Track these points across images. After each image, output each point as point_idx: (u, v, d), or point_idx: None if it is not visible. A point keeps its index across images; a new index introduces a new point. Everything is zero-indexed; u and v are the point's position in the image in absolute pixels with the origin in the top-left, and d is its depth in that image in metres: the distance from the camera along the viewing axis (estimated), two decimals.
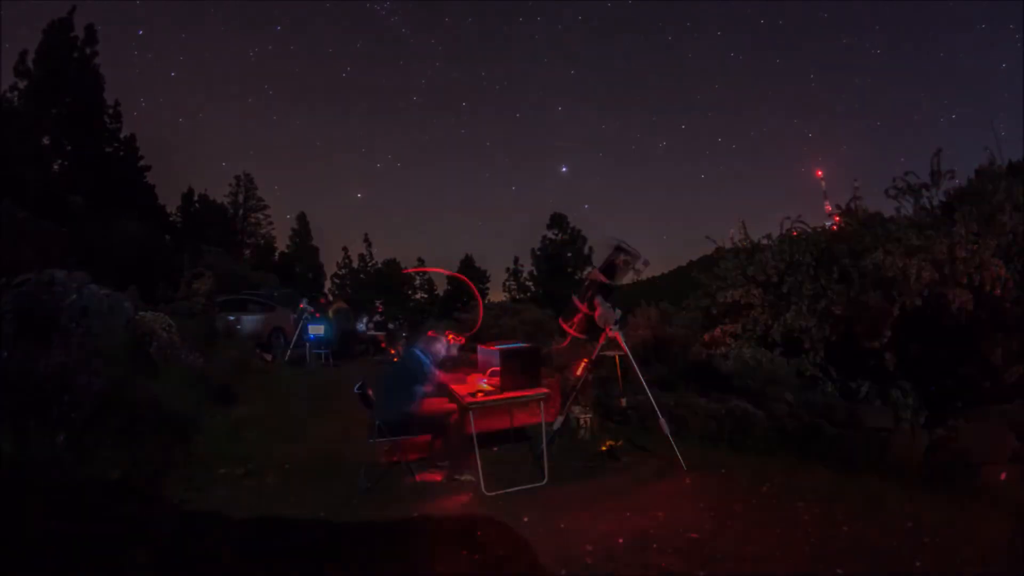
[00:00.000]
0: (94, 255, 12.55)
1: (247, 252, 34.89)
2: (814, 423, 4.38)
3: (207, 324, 10.14)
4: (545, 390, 4.26)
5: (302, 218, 39.07)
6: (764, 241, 6.01)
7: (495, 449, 4.79)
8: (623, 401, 5.11)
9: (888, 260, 4.46)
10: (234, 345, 10.06)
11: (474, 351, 5.01)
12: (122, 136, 23.54)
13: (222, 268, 17.41)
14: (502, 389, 4.07)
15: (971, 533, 2.76)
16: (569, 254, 34.28)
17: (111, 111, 23.16)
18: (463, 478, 3.98)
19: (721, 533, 3.00)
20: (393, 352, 13.86)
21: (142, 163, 24.24)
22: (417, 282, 40.33)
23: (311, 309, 12.02)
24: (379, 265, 40.01)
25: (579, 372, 4.89)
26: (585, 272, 31.88)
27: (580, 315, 4.67)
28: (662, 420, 4.31)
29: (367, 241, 40.60)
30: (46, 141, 19.28)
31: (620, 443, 4.67)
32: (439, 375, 4.42)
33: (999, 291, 4.18)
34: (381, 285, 36.61)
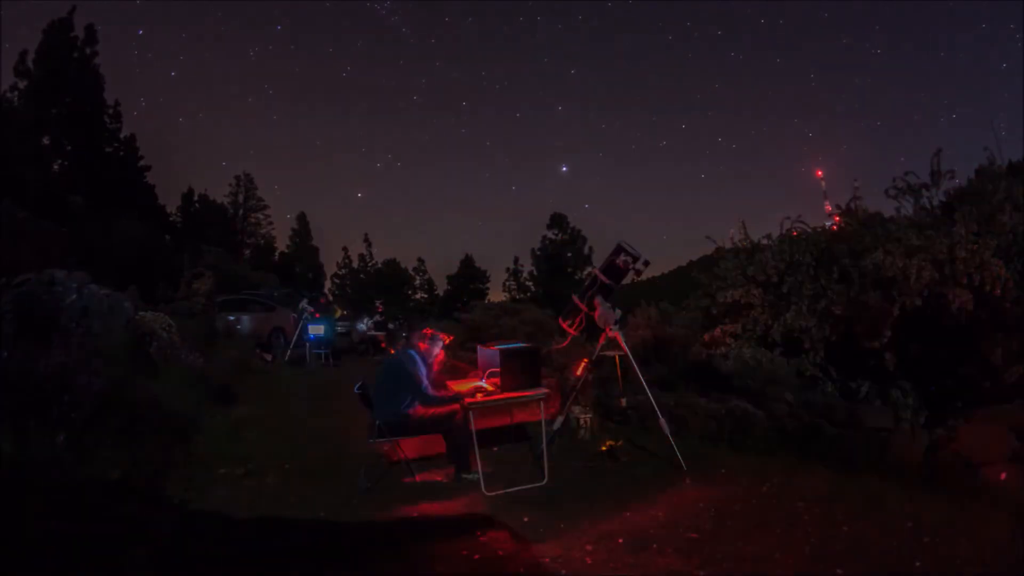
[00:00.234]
0: (94, 255, 12.56)
1: (247, 252, 34.91)
2: (814, 423, 4.38)
3: (207, 324, 10.16)
4: (545, 390, 4.26)
5: (302, 218, 39.13)
6: (764, 241, 6.01)
7: (495, 449, 4.79)
8: (623, 401, 5.11)
9: (888, 260, 4.46)
10: (234, 345, 10.07)
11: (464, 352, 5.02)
12: (122, 136, 23.58)
13: (222, 268, 17.42)
14: (502, 389, 4.07)
15: (971, 533, 2.76)
16: (569, 254, 34.31)
17: (111, 111, 23.19)
18: (469, 477, 3.98)
19: (721, 533, 3.00)
20: (393, 352, 13.85)
21: (142, 163, 24.27)
22: (417, 282, 40.38)
23: (311, 309, 12.01)
24: (379, 265, 40.04)
25: (579, 372, 4.89)
26: (585, 272, 31.93)
27: (580, 315, 4.67)
28: (662, 420, 4.31)
29: (367, 241, 40.66)
30: (46, 141, 19.30)
31: (620, 443, 4.67)
32: (434, 375, 4.43)
33: (999, 291, 4.18)
34: (381, 285, 36.63)
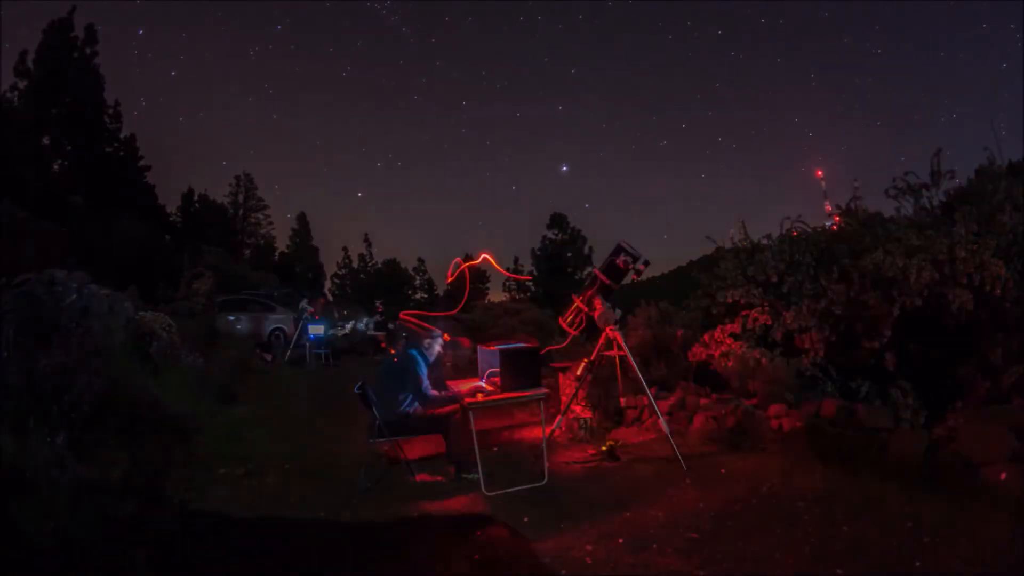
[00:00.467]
0: (94, 255, 12.56)
1: (247, 252, 34.90)
2: (814, 423, 4.38)
3: (207, 324, 10.16)
4: (545, 390, 4.26)
5: (302, 218, 39.11)
6: (764, 241, 6.01)
7: (495, 449, 4.80)
8: (623, 401, 5.12)
9: (888, 260, 4.45)
10: (234, 345, 10.08)
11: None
12: (122, 136, 23.59)
13: (222, 268, 17.42)
14: (502, 389, 4.07)
15: (971, 533, 2.76)
16: (569, 254, 34.31)
17: (111, 111, 23.20)
18: (469, 477, 3.98)
19: (721, 533, 3.00)
20: (393, 352, 13.85)
21: (142, 163, 24.28)
22: (417, 282, 40.37)
23: (311, 309, 12.02)
24: (379, 265, 40.04)
25: (579, 372, 4.89)
26: (585, 272, 31.95)
27: (580, 315, 4.68)
28: (662, 420, 4.31)
29: (367, 241, 40.65)
30: (46, 141, 19.30)
31: (620, 443, 4.67)
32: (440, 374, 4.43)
33: (999, 291, 4.17)
34: (381, 285, 36.63)
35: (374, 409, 4.01)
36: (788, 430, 4.46)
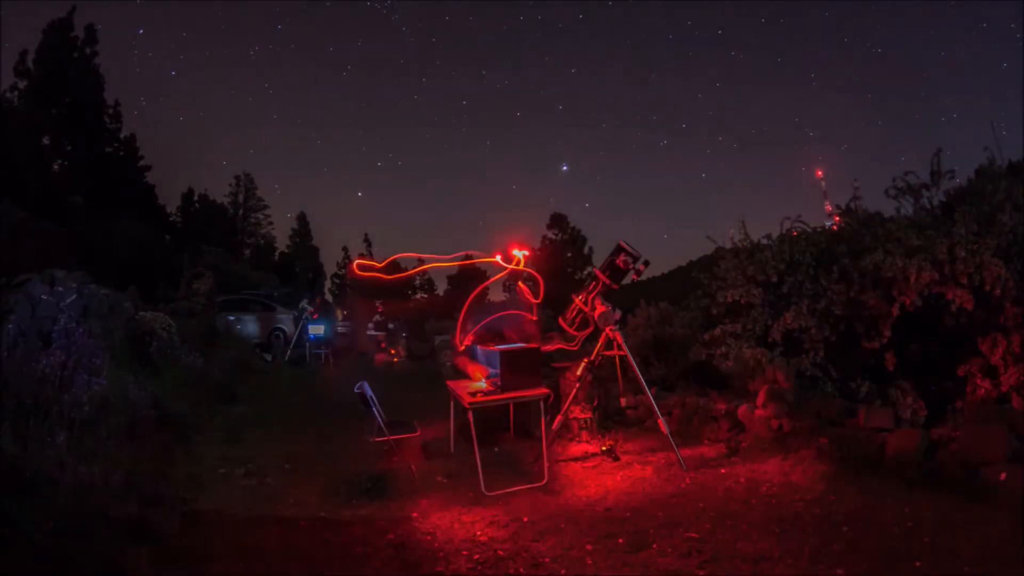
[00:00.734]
0: (94, 255, 12.56)
1: (247, 252, 34.89)
2: (814, 423, 4.38)
3: (207, 324, 10.15)
4: (546, 390, 4.26)
5: (302, 218, 39.08)
6: (764, 241, 6.01)
7: (496, 449, 4.80)
8: (623, 401, 5.12)
9: (888, 260, 4.45)
10: (234, 345, 10.08)
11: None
12: (122, 136, 23.57)
13: (222, 268, 17.41)
14: (503, 389, 4.06)
15: (971, 533, 2.76)
16: (569, 254, 34.30)
17: (111, 111, 23.19)
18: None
19: (721, 533, 3.00)
20: (393, 352, 13.87)
21: (142, 163, 24.26)
22: (417, 282, 40.35)
23: (310, 309, 12.03)
24: (379, 265, 40.03)
25: (579, 372, 4.89)
26: (585, 272, 31.95)
27: (580, 314, 4.67)
28: (662, 420, 4.31)
29: (367, 241, 40.65)
30: (46, 141, 19.28)
31: (620, 443, 4.67)
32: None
33: (999, 291, 4.17)
34: (382, 284, 36.61)
35: (374, 409, 4.01)
36: (788, 430, 4.46)
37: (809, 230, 5.78)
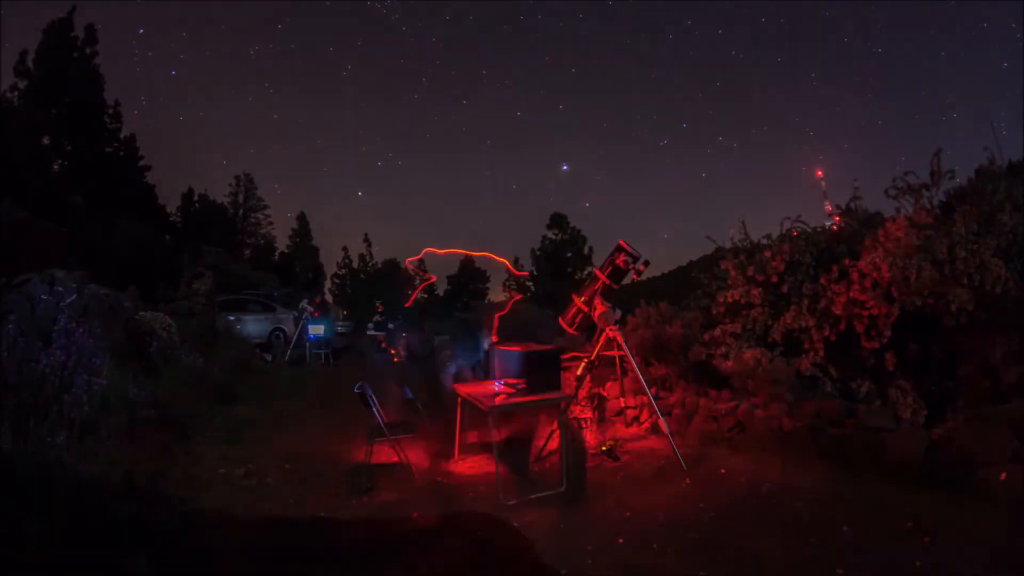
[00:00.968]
0: (94, 255, 12.55)
1: (247, 252, 34.89)
2: (814, 423, 4.38)
3: (207, 324, 10.14)
4: (568, 392, 4.18)
5: (302, 218, 39.09)
6: (764, 241, 6.01)
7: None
8: (623, 401, 5.12)
9: (888, 260, 4.46)
10: (234, 345, 10.07)
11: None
12: (122, 136, 23.56)
13: (222, 268, 17.41)
14: (527, 391, 3.97)
15: (971, 533, 2.76)
16: (569, 254, 34.28)
17: (111, 111, 23.18)
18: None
19: (721, 533, 3.00)
20: (393, 352, 13.87)
21: (142, 163, 24.25)
22: (417, 282, 40.36)
23: (310, 309, 12.03)
24: (379, 265, 40.02)
25: (579, 372, 4.89)
26: (585, 272, 31.94)
27: (580, 314, 4.67)
28: (662, 420, 4.31)
29: (367, 241, 40.65)
30: (46, 141, 19.27)
31: (620, 443, 4.67)
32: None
33: (999, 291, 4.17)
34: (382, 284, 36.63)
35: (374, 409, 4.01)
36: (788, 430, 4.46)
37: (809, 230, 5.78)
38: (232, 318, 12.65)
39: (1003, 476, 3.22)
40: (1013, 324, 4.17)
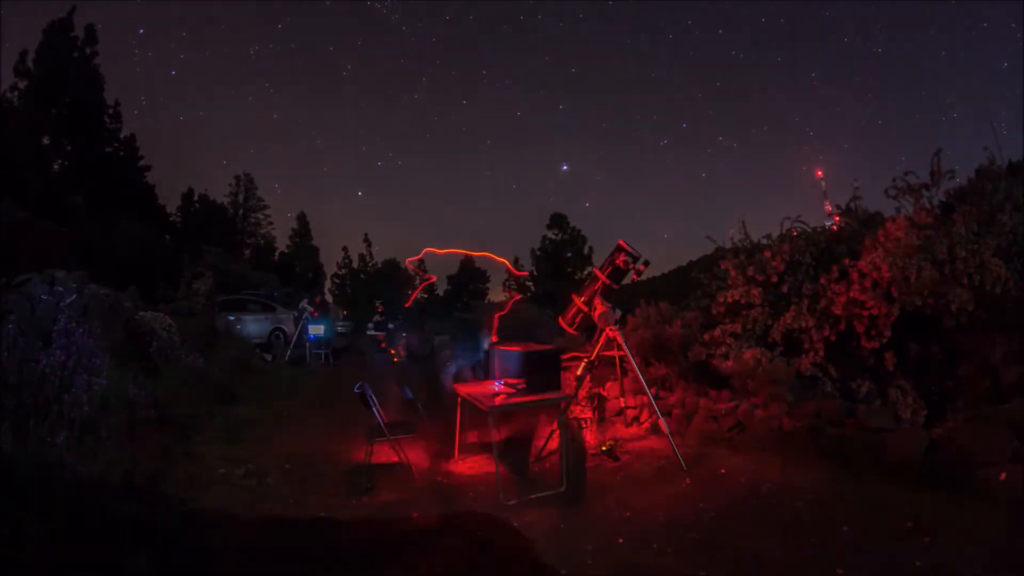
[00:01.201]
0: (94, 255, 12.55)
1: (247, 252, 34.89)
2: (814, 423, 4.38)
3: (207, 324, 10.14)
4: (568, 392, 4.17)
5: (302, 218, 39.10)
6: (764, 241, 6.01)
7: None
8: (622, 401, 5.12)
9: (888, 260, 4.46)
10: (234, 345, 10.07)
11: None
12: (122, 136, 23.56)
13: (222, 268, 17.41)
14: (527, 391, 3.95)
15: (971, 533, 2.76)
16: (569, 254, 34.28)
17: (111, 111, 23.18)
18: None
19: (721, 533, 3.00)
20: (393, 352, 13.88)
21: (142, 163, 24.25)
22: (417, 282, 40.36)
23: (310, 309, 12.03)
24: (379, 265, 40.03)
25: (579, 372, 4.89)
26: (585, 272, 31.94)
27: (580, 314, 4.67)
28: (662, 420, 4.31)
29: (367, 241, 40.65)
30: (46, 141, 19.26)
31: (620, 443, 4.67)
32: None
33: (999, 291, 4.17)
34: (382, 284, 36.64)
35: (374, 409, 4.00)
36: (788, 430, 4.46)
37: (809, 230, 5.78)
38: (232, 318, 12.65)
39: (1003, 476, 3.22)
40: (1013, 324, 4.17)
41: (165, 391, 5.23)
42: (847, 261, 5.03)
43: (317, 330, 11.65)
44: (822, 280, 5.12)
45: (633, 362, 4.43)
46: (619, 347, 4.52)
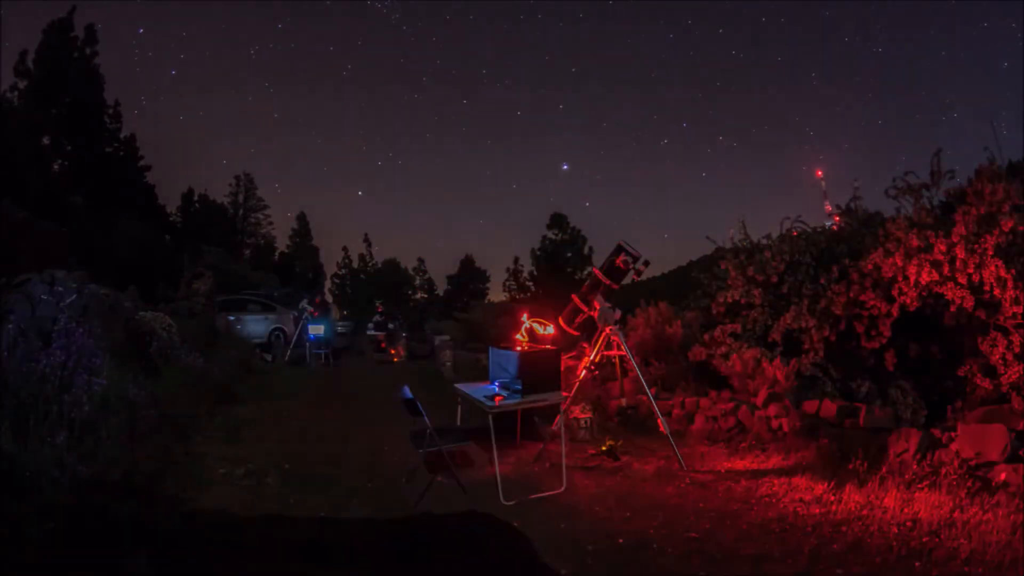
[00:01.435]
0: (94, 255, 12.56)
1: (247, 252, 34.90)
2: (814, 423, 4.38)
3: (207, 324, 10.14)
4: (565, 393, 4.15)
5: (302, 218, 39.10)
6: (764, 241, 6.02)
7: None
8: (623, 401, 5.12)
9: (888, 260, 4.46)
10: (234, 345, 10.07)
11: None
12: (122, 136, 23.56)
13: (222, 268, 17.42)
14: (523, 393, 3.90)
15: (971, 533, 2.76)
16: (569, 254, 34.27)
17: (111, 111, 23.18)
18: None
19: (721, 533, 3.01)
20: (393, 352, 13.88)
21: (142, 163, 24.25)
22: (417, 282, 40.36)
23: (310, 309, 12.03)
24: (379, 265, 40.03)
25: (579, 372, 4.89)
26: (585, 272, 31.93)
27: (581, 314, 4.67)
28: (662, 420, 4.31)
29: (367, 241, 40.65)
30: (46, 141, 19.26)
31: (620, 443, 4.67)
32: None
33: (999, 291, 4.18)
34: (381, 285, 36.65)
35: (425, 417, 3.76)
36: (788, 430, 4.46)
37: (809, 230, 5.79)
38: (232, 318, 12.66)
39: (1003, 476, 3.22)
40: (1013, 324, 4.17)
41: (165, 391, 5.22)
42: (847, 261, 5.04)
43: (317, 330, 11.65)
44: (822, 280, 5.12)
45: (633, 362, 4.43)
46: (619, 347, 4.52)
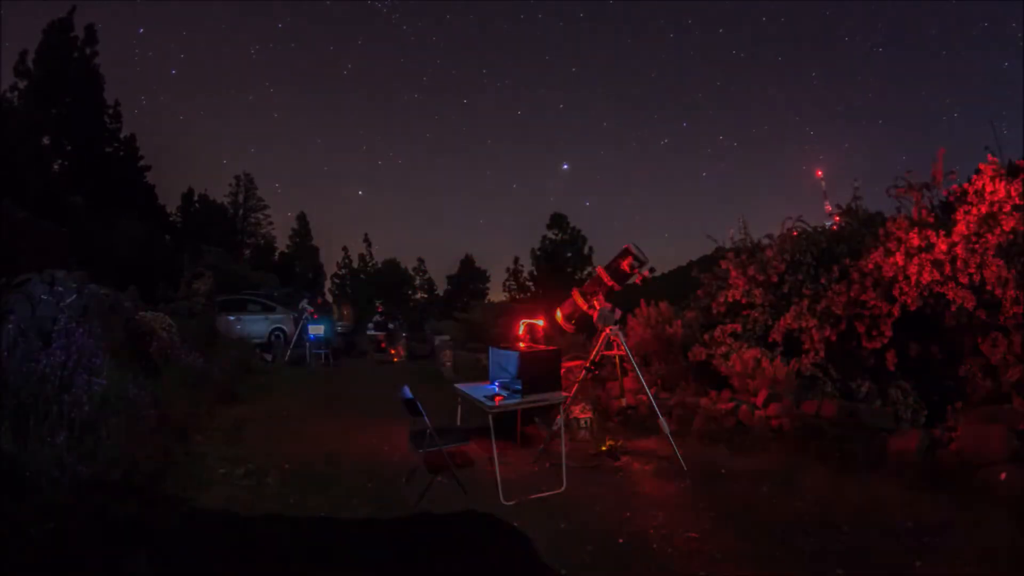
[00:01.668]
0: (94, 255, 12.56)
1: (247, 252, 34.90)
2: (814, 423, 4.38)
3: (207, 324, 10.14)
4: (566, 394, 4.14)
5: (302, 218, 39.11)
6: (764, 241, 6.02)
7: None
8: (623, 401, 5.11)
9: (889, 260, 4.46)
10: (234, 345, 10.07)
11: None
12: (122, 136, 23.57)
13: (222, 268, 17.43)
14: (523, 393, 3.90)
15: (971, 533, 2.76)
16: (569, 254, 34.28)
17: (111, 111, 23.18)
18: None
19: (721, 533, 3.01)
20: (393, 352, 13.88)
21: (142, 163, 24.26)
22: (417, 282, 40.37)
23: (310, 309, 12.03)
24: (379, 265, 40.03)
25: (579, 372, 4.89)
26: (585, 272, 31.94)
27: (579, 312, 4.66)
28: (662, 420, 4.31)
29: (367, 241, 40.65)
30: (46, 141, 19.26)
31: (620, 443, 4.67)
32: None
33: (999, 291, 4.18)
34: (381, 285, 36.64)
35: (425, 417, 3.78)
36: (788, 430, 4.46)
37: (810, 230, 5.79)
38: (232, 318, 12.66)
39: (1003, 476, 3.22)
40: (1013, 324, 4.17)
41: (165, 391, 5.22)
42: (847, 261, 5.04)
43: (317, 330, 11.65)
44: (822, 280, 5.12)
45: (633, 362, 4.43)
46: (619, 347, 4.52)
